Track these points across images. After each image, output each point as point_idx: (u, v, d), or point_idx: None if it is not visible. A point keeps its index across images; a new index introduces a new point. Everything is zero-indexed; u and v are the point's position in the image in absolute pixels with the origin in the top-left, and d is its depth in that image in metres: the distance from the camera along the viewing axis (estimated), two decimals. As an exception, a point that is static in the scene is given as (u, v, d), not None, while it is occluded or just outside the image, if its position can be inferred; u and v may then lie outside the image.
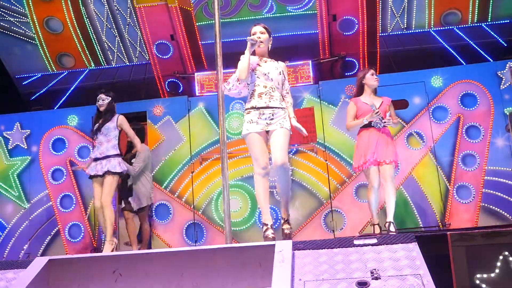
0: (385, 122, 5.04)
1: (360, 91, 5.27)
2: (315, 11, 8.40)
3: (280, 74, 4.30)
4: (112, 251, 5.20)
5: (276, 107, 4.17)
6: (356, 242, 3.11)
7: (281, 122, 4.14)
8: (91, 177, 5.38)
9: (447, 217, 6.62)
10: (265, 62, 4.33)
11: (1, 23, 8.80)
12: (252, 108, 4.19)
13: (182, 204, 7.15)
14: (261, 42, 4.27)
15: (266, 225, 4.13)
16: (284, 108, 4.23)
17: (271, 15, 8.62)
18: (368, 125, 5.09)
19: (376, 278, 2.76)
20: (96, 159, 5.37)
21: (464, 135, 6.86)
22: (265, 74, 4.24)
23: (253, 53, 4.32)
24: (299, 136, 7.33)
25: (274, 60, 4.40)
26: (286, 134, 4.13)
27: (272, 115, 4.15)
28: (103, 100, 5.54)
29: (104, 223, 5.30)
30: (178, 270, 3.27)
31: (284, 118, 4.18)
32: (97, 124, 5.48)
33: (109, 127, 5.42)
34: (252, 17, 8.50)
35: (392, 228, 4.94)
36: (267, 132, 4.18)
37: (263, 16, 8.61)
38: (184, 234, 7.07)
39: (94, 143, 5.71)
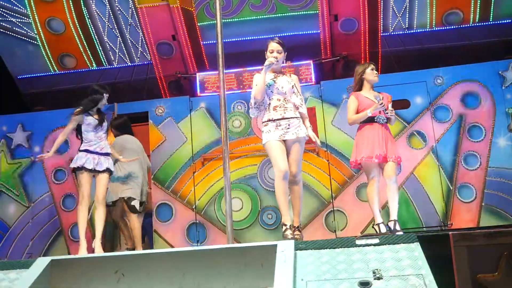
0: (387, 113, 4.96)
1: (359, 86, 5.14)
2: (317, 11, 8.40)
3: (293, 87, 4.53)
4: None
5: (291, 117, 4.44)
6: (358, 242, 3.11)
7: (296, 131, 4.41)
8: (86, 170, 5.08)
9: (449, 217, 6.61)
10: (279, 76, 4.56)
11: (3, 24, 8.81)
12: (269, 120, 4.47)
13: (184, 204, 7.16)
14: (277, 61, 4.50)
15: (286, 225, 4.36)
16: (298, 117, 4.48)
17: (272, 15, 8.61)
18: (372, 120, 4.94)
19: (378, 278, 2.76)
20: (91, 152, 5.14)
21: (466, 134, 6.85)
22: (278, 89, 4.48)
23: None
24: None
25: (286, 74, 4.66)
26: (301, 147, 4.46)
27: (288, 125, 4.42)
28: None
29: (103, 220, 5.20)
30: (180, 270, 3.27)
31: (299, 126, 4.45)
32: (98, 120, 5.27)
33: (106, 124, 5.36)
34: (254, 17, 8.51)
35: (397, 227, 4.79)
36: (284, 141, 4.43)
37: (264, 16, 8.61)
38: (186, 234, 7.07)
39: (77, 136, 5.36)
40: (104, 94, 5.37)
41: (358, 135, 5.05)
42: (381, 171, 4.92)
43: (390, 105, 5.03)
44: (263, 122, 4.54)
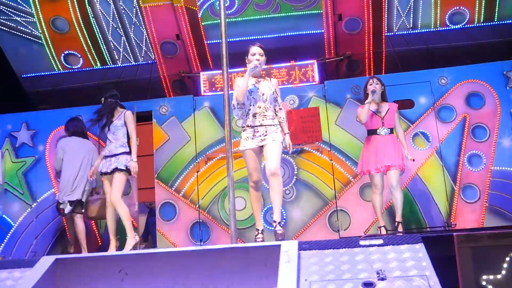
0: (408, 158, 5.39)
1: (366, 98, 5.59)
2: (321, 11, 8.39)
3: (274, 93, 4.64)
4: (134, 246, 5.24)
5: (269, 125, 4.56)
6: (362, 242, 3.10)
7: (273, 137, 4.53)
8: (102, 174, 5.40)
9: (452, 218, 6.59)
10: (259, 82, 4.66)
11: (8, 23, 8.84)
12: (248, 126, 4.59)
13: (187, 203, 7.16)
14: (260, 64, 4.60)
15: (258, 230, 4.64)
16: (276, 124, 4.61)
17: (277, 15, 8.61)
18: (374, 133, 5.47)
19: (382, 279, 2.76)
20: (105, 157, 5.40)
21: (470, 135, 6.83)
22: (259, 96, 4.58)
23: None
24: (303, 135, 7.35)
25: (266, 78, 4.75)
26: (278, 145, 4.52)
27: (266, 131, 4.54)
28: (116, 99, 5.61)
29: (113, 220, 5.34)
30: (184, 269, 3.27)
31: (275, 132, 4.56)
32: (108, 123, 5.45)
33: (116, 125, 5.41)
34: (258, 17, 8.51)
35: (400, 228, 5.29)
36: (261, 147, 4.55)
37: (268, 16, 8.61)
38: (189, 233, 7.08)
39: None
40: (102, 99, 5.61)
41: (363, 147, 5.62)
42: (385, 179, 5.43)
43: (408, 155, 5.45)
44: (242, 127, 4.65)
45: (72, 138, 6.48)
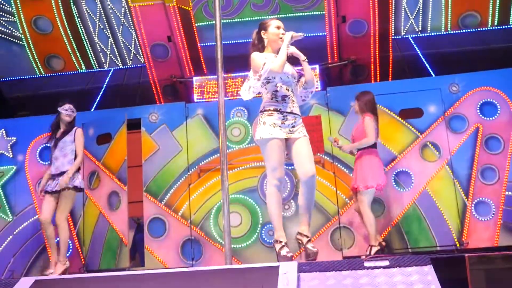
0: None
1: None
2: (323, 12, 8.43)
3: (295, 70, 4.31)
4: (63, 272, 5.39)
5: (297, 114, 4.17)
6: (366, 264, 3.10)
7: (301, 131, 4.13)
8: (46, 192, 5.55)
9: (464, 236, 6.59)
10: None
11: (-14, 23, 8.87)
12: (276, 110, 4.09)
13: (178, 219, 7.14)
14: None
15: (281, 242, 4.09)
16: (301, 116, 4.24)
17: (276, 16, 8.64)
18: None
19: (388, 304, 2.75)
20: (53, 176, 5.58)
21: (484, 146, 6.84)
22: (288, 75, 4.20)
23: (263, 49, 4.32)
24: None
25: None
26: (308, 143, 4.13)
27: (295, 122, 4.12)
28: (73, 111, 5.78)
29: (50, 241, 5.59)
30: (173, 292, 3.26)
31: (302, 126, 4.17)
32: (55, 139, 5.71)
33: (65, 140, 5.57)
34: (255, 18, 8.55)
35: (372, 251, 5.57)
36: (286, 140, 4.13)
37: (267, 17, 8.64)
38: (180, 251, 7.05)
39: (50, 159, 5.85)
40: (59, 109, 5.78)
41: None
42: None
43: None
44: (265, 111, 4.13)
45: None
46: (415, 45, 8.54)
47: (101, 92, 8.66)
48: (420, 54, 8.43)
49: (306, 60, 4.29)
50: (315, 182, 4.12)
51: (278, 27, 4.29)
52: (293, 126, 4.09)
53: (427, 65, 8.19)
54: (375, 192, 5.71)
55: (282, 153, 4.08)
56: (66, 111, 5.78)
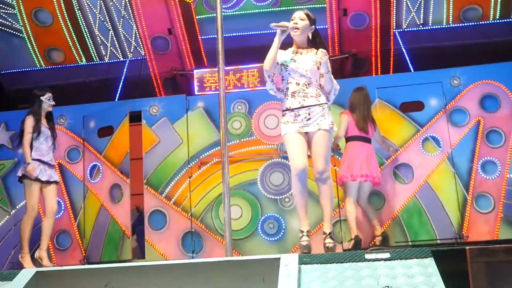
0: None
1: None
2: (324, 5, 8.41)
3: (315, 64, 4.14)
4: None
5: (311, 105, 4.11)
6: (367, 256, 3.11)
7: (318, 123, 4.09)
8: (38, 180, 5.61)
9: (464, 229, 6.60)
10: (301, 54, 4.23)
11: (-14, 15, 8.85)
12: (287, 109, 4.18)
13: (179, 211, 7.15)
14: (297, 29, 4.17)
15: (302, 232, 4.23)
16: (321, 104, 4.13)
17: (277, 9, 8.64)
18: None
19: (389, 296, 2.76)
20: (44, 163, 5.66)
21: (485, 140, 6.84)
22: (297, 70, 4.16)
23: (292, 43, 4.30)
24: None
25: (313, 49, 4.25)
26: (324, 137, 4.11)
27: (309, 114, 4.10)
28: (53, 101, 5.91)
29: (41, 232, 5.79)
30: (175, 284, 3.27)
31: (322, 115, 4.10)
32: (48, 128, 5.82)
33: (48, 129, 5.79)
34: (256, 11, 8.53)
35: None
36: (306, 133, 4.16)
37: (268, 10, 8.64)
38: (181, 244, 7.06)
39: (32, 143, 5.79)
40: (42, 97, 5.83)
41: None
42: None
43: None
44: (282, 111, 4.26)
45: None
46: (416, 38, 8.51)
47: (121, 83, 8.66)
48: (421, 47, 8.39)
49: (329, 72, 4.17)
50: (329, 179, 4.16)
51: (293, 19, 4.25)
52: (309, 119, 4.10)
53: (428, 58, 8.18)
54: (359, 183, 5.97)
55: (298, 143, 4.10)
56: (49, 100, 5.87)
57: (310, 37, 4.27)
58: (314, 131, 4.10)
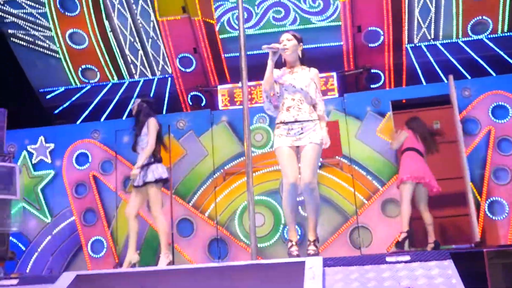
0: None
1: None
2: (340, 23, 8.42)
3: (310, 83, 4.17)
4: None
5: (304, 121, 4.10)
6: (388, 259, 3.08)
7: (310, 137, 4.07)
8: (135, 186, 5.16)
9: (479, 234, 6.48)
10: (295, 72, 4.24)
11: (26, 37, 9.01)
12: (281, 122, 4.15)
13: (205, 219, 7.17)
14: (286, 49, 4.18)
15: (291, 241, 4.15)
16: (314, 120, 4.12)
17: (295, 27, 8.66)
18: None
19: (411, 297, 2.73)
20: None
21: (496, 148, 6.75)
22: (293, 86, 4.16)
23: (284, 63, 4.30)
24: (323, 150, 7.32)
25: (305, 68, 4.28)
26: (315, 149, 4.06)
27: (301, 129, 4.09)
28: (133, 103, 5.48)
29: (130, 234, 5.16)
30: (204, 286, 3.28)
31: (314, 130, 4.09)
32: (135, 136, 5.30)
33: (141, 135, 5.26)
34: (276, 30, 8.57)
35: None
36: (298, 147, 4.12)
37: (286, 28, 8.65)
38: (207, 250, 7.08)
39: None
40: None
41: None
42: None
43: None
44: (276, 124, 4.22)
45: None
46: (427, 53, 8.46)
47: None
48: (432, 61, 8.34)
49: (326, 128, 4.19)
50: (315, 190, 4.08)
51: (281, 41, 4.23)
52: (301, 133, 4.08)
53: (439, 71, 8.13)
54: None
55: (289, 157, 4.08)
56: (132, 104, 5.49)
57: (300, 55, 4.30)
58: (305, 144, 4.08)
